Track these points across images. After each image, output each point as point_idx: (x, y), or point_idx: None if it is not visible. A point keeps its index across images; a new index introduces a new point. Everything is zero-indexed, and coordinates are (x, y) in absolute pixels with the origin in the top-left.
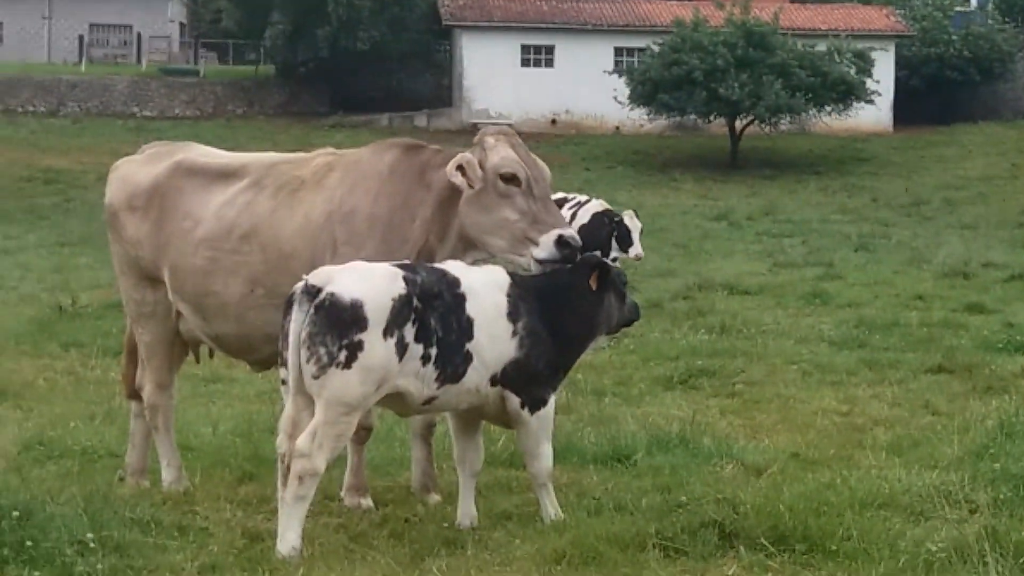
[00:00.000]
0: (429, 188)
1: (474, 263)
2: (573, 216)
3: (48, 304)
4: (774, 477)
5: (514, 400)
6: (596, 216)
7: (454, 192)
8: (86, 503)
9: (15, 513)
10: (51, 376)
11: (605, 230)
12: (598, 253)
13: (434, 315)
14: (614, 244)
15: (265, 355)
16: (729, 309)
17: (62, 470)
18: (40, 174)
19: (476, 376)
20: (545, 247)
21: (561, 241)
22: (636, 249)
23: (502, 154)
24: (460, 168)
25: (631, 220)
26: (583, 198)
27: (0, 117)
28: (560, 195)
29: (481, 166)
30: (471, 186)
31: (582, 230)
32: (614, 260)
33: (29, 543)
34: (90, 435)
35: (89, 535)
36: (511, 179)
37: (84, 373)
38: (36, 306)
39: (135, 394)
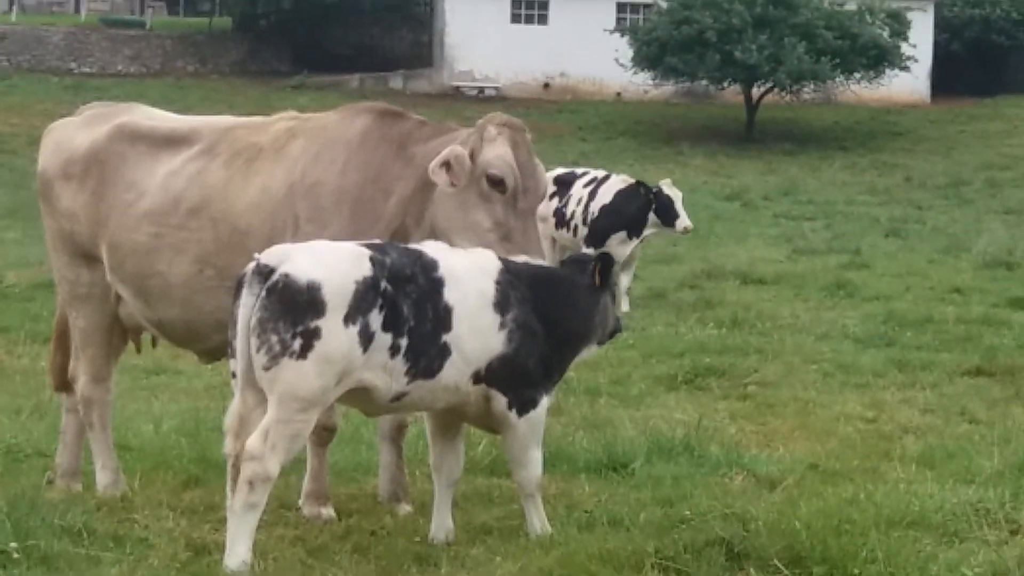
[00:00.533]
0: (410, 163)
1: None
2: (592, 195)
3: None
4: (789, 490)
5: (500, 400)
6: (622, 193)
7: (429, 179)
8: (10, 508)
9: None
10: None
11: (636, 204)
12: (624, 233)
13: (406, 301)
14: (651, 219)
15: (214, 344)
16: (741, 300)
17: None
18: None
19: (454, 372)
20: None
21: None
22: (684, 220)
23: (498, 152)
24: (446, 164)
25: (671, 189)
26: (601, 173)
27: None
28: (580, 170)
29: (472, 157)
30: (453, 185)
31: (605, 210)
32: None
33: None
34: (15, 431)
35: (13, 544)
36: (497, 183)
37: (9, 362)
38: None
39: (66, 386)
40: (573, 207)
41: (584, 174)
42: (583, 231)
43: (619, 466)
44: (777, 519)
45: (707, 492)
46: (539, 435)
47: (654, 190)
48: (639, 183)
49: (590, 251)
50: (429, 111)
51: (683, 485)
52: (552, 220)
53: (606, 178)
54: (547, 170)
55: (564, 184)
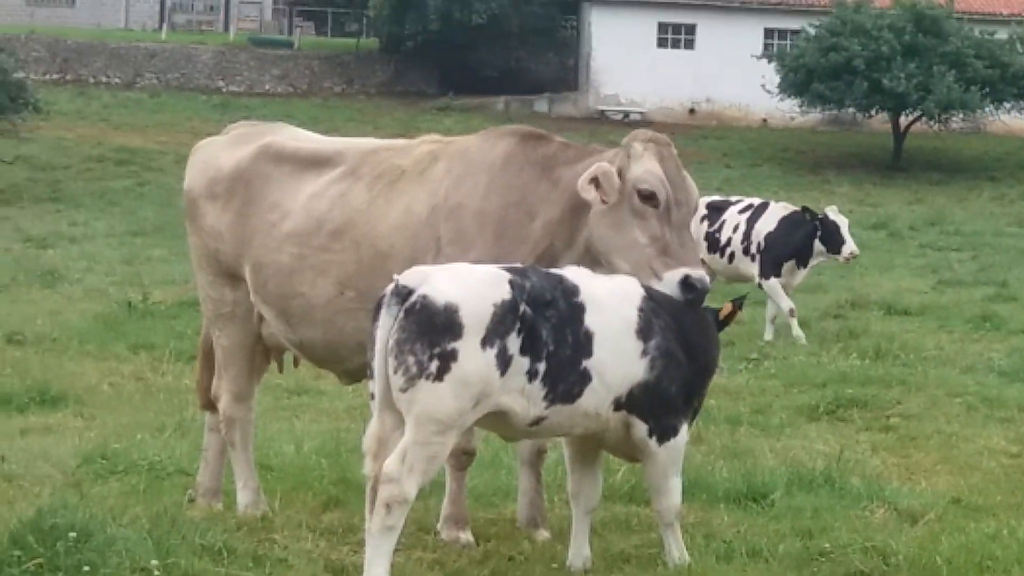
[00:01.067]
0: (556, 185)
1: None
2: (751, 222)
3: (116, 300)
4: (931, 525)
5: (641, 428)
6: (786, 220)
7: (581, 200)
8: (151, 526)
9: (72, 534)
10: (117, 381)
11: (802, 232)
12: (793, 262)
13: (545, 325)
14: (817, 246)
15: (355, 365)
16: (886, 331)
17: (126, 487)
18: (112, 154)
19: (595, 398)
20: (668, 285)
21: (686, 283)
22: (851, 246)
23: (646, 167)
24: (595, 180)
25: (837, 215)
26: (756, 200)
27: (70, 88)
28: (734, 197)
29: (621, 175)
30: (604, 201)
31: (772, 238)
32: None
33: (87, 568)
34: (158, 449)
35: (154, 562)
36: (649, 197)
37: (154, 379)
38: (103, 302)
39: (210, 404)
40: (729, 233)
41: (738, 201)
42: (743, 260)
43: (759, 496)
44: (918, 554)
45: (847, 525)
46: (679, 463)
47: (820, 216)
48: (804, 208)
49: (762, 280)
50: (574, 135)
51: (823, 517)
52: (704, 244)
53: (764, 206)
54: (699, 194)
55: (716, 209)
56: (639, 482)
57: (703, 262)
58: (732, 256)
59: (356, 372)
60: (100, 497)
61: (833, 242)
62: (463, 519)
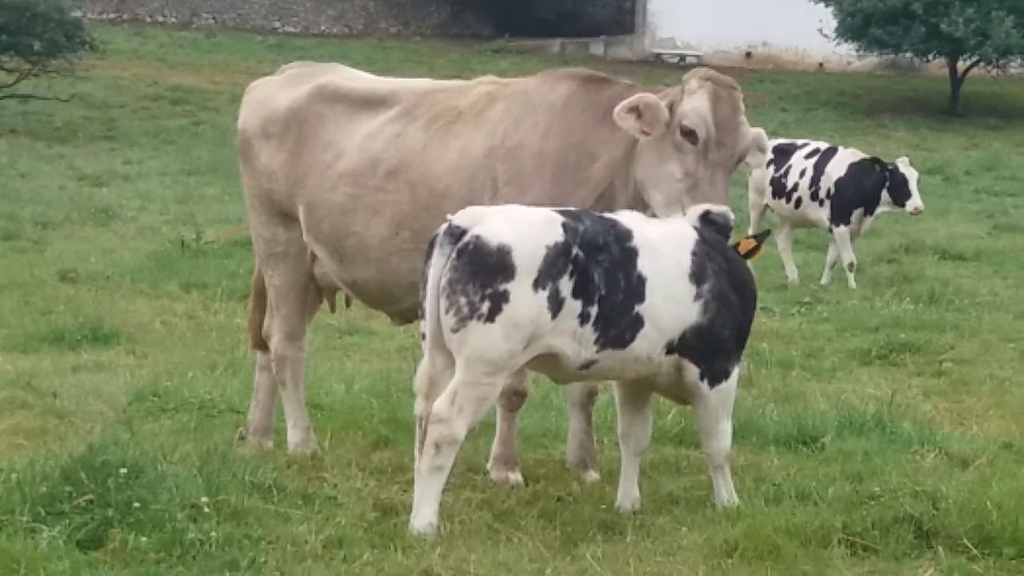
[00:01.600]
0: (618, 127)
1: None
2: (818, 168)
3: (169, 238)
4: (982, 470)
5: (693, 371)
6: (855, 166)
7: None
8: (202, 463)
9: (123, 471)
10: (169, 319)
11: (871, 180)
12: (861, 209)
13: (598, 269)
14: (884, 196)
15: (408, 306)
16: (940, 276)
17: (177, 425)
18: (167, 93)
19: (647, 343)
20: (689, 219)
21: (706, 218)
22: (916, 201)
23: (694, 104)
24: (635, 110)
25: (907, 168)
26: (823, 144)
27: (127, 27)
28: (800, 141)
29: (672, 109)
30: (645, 132)
31: (842, 184)
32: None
33: (137, 504)
34: (210, 387)
35: (204, 499)
36: (689, 134)
37: (206, 318)
38: (156, 240)
39: (263, 344)
40: (795, 178)
41: (804, 145)
42: (811, 205)
43: (809, 440)
44: (968, 498)
45: (898, 469)
46: (730, 406)
47: (890, 167)
48: (875, 159)
49: (833, 227)
50: (630, 78)
51: (873, 461)
52: (769, 189)
53: (832, 151)
54: (766, 141)
55: (783, 153)
56: (689, 424)
57: (765, 207)
58: (799, 201)
59: (408, 313)
60: (151, 434)
61: (900, 194)
62: (513, 460)
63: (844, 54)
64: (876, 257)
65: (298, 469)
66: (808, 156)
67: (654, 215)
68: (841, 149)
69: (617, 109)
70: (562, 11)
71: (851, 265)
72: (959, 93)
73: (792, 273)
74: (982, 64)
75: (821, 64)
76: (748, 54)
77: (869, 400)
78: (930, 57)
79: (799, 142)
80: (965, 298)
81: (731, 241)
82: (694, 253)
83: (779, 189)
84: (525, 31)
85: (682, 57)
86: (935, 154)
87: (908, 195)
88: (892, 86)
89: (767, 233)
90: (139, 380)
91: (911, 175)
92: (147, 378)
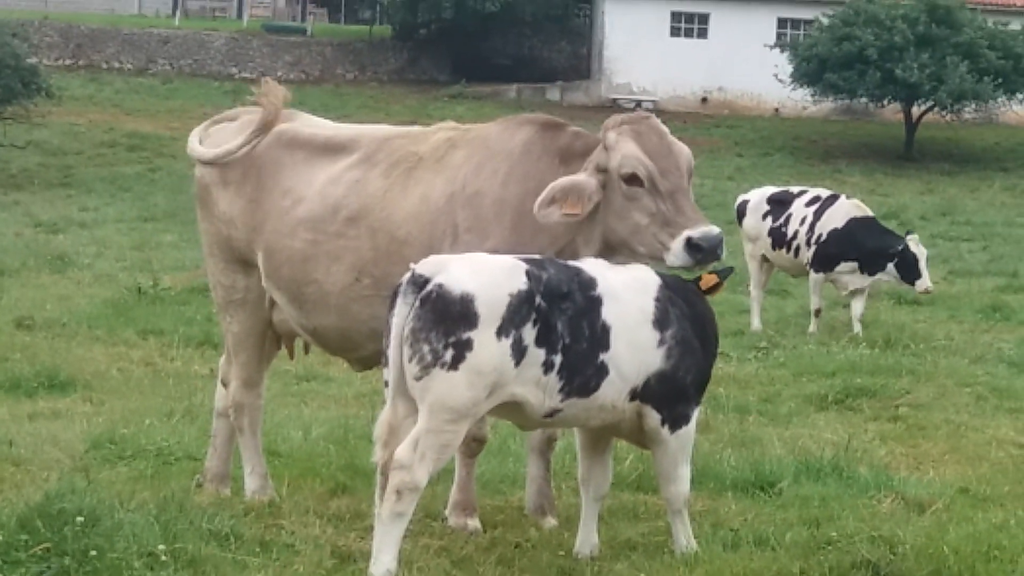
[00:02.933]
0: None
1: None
2: (817, 215)
3: (126, 285)
4: (938, 515)
5: (654, 417)
6: (855, 221)
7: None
8: (159, 511)
9: (79, 519)
10: (126, 366)
11: (873, 242)
12: (855, 264)
13: (561, 318)
14: (891, 269)
15: (368, 353)
16: (895, 321)
17: (134, 472)
18: (124, 139)
19: (612, 391)
20: (676, 253)
21: (690, 244)
22: (925, 282)
23: (622, 152)
24: (551, 200)
25: (918, 247)
26: (824, 192)
27: (83, 74)
28: (795, 189)
29: (603, 170)
30: (573, 215)
31: (836, 236)
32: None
33: (93, 553)
34: (166, 434)
35: (161, 546)
36: (631, 179)
37: (163, 364)
38: (112, 287)
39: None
40: (795, 227)
41: (802, 193)
42: (807, 252)
43: (766, 485)
44: (925, 543)
45: (855, 514)
46: (689, 451)
47: (899, 247)
48: (889, 242)
49: (811, 271)
50: (586, 123)
51: (831, 506)
52: (768, 240)
53: (832, 198)
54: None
55: (779, 203)
56: (647, 470)
57: (765, 258)
58: (798, 250)
59: (369, 359)
60: (108, 482)
61: (909, 273)
62: (471, 506)
63: (799, 99)
64: (832, 302)
65: (255, 516)
66: (808, 204)
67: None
68: (843, 198)
69: (536, 209)
70: (518, 57)
71: (817, 311)
72: (914, 138)
73: (756, 322)
74: (936, 109)
75: (777, 109)
76: (704, 99)
77: (826, 445)
78: (885, 102)
79: (795, 190)
80: (921, 343)
81: (707, 268)
82: (657, 299)
83: (779, 239)
84: (481, 76)
85: (638, 103)
86: (890, 199)
87: (918, 275)
88: (847, 131)
89: (730, 270)
90: (96, 427)
91: (921, 254)
92: (104, 425)
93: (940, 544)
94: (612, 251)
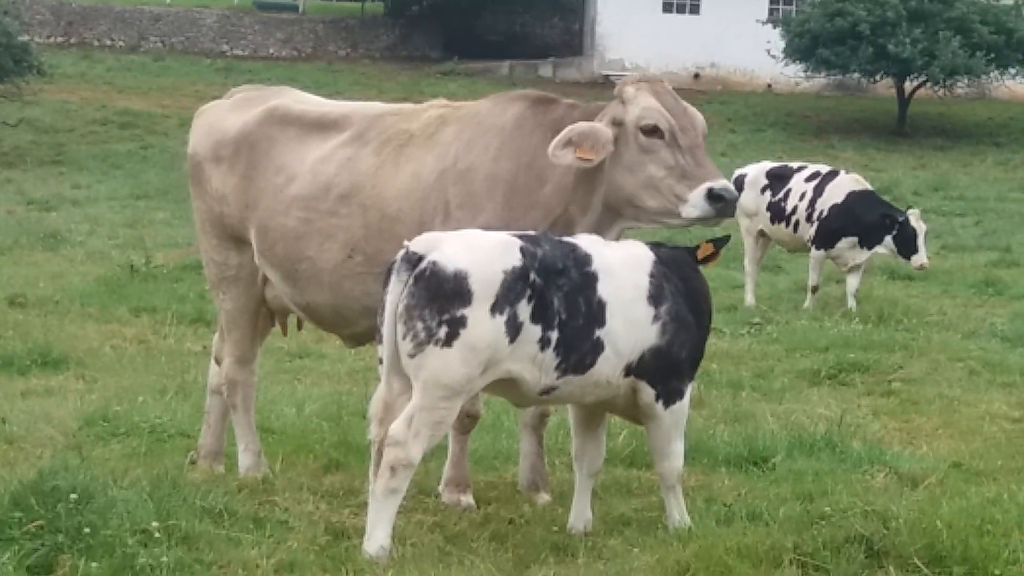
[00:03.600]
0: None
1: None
2: (817, 190)
3: (119, 263)
4: (932, 489)
5: (648, 392)
6: (855, 195)
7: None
8: (152, 488)
9: (73, 496)
10: (119, 344)
11: (869, 214)
12: (856, 239)
13: (557, 294)
14: (888, 242)
15: (361, 329)
16: (888, 296)
17: (127, 450)
18: (116, 117)
19: (607, 367)
20: (695, 204)
21: (712, 195)
22: (921, 257)
23: (642, 104)
24: (568, 142)
25: (917, 222)
26: (824, 168)
27: (74, 51)
28: (795, 164)
29: (619, 123)
30: (587, 160)
31: (837, 210)
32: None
33: (87, 530)
34: (160, 411)
35: (154, 524)
36: (652, 131)
37: (156, 342)
38: (105, 264)
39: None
40: (795, 202)
41: (801, 168)
42: (806, 227)
43: (760, 460)
44: (918, 518)
45: (848, 489)
46: (683, 426)
47: (900, 219)
48: (884, 215)
49: (812, 248)
50: (578, 99)
51: (824, 481)
52: (767, 215)
53: (832, 174)
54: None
55: (778, 178)
56: (640, 446)
57: (760, 233)
58: (797, 225)
59: (362, 336)
60: (101, 459)
61: (907, 247)
62: (464, 482)
63: (792, 75)
64: (825, 277)
65: (249, 493)
66: (808, 179)
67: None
68: (842, 173)
69: (551, 149)
70: (510, 33)
71: (814, 288)
72: (906, 113)
73: (749, 297)
74: (929, 84)
75: (769, 85)
76: (696, 75)
77: (819, 420)
78: (877, 78)
79: (794, 165)
80: (914, 318)
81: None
82: (652, 275)
83: (778, 214)
84: (474, 53)
85: None
86: (883, 174)
87: (915, 250)
88: (840, 107)
89: (727, 239)
90: (89, 405)
91: (920, 229)
92: (97, 403)
93: (933, 518)
94: (613, 212)
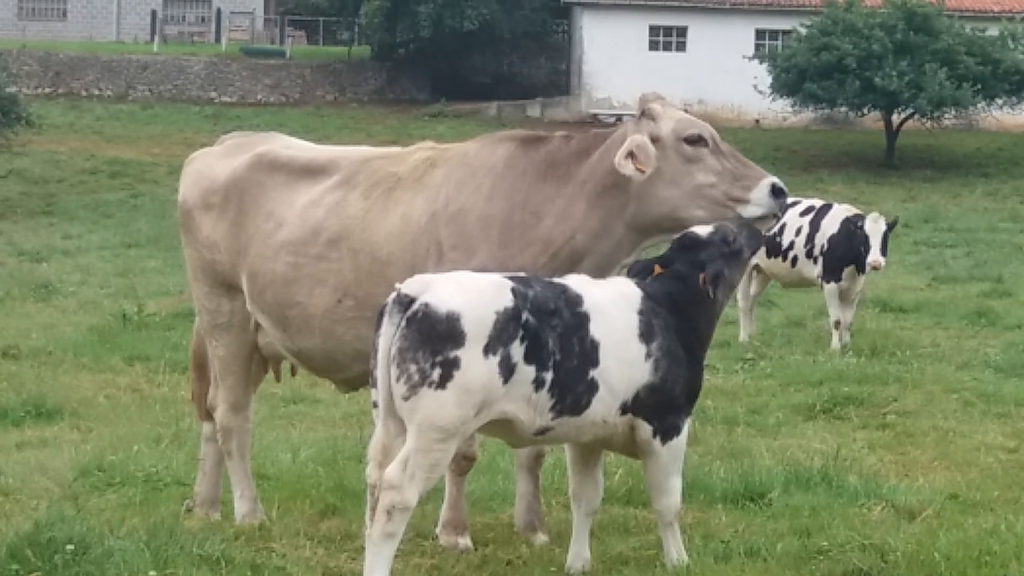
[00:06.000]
0: (567, 181)
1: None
2: (814, 225)
3: (111, 312)
4: (929, 521)
5: (646, 429)
6: (848, 222)
7: (611, 182)
8: (149, 537)
9: (69, 547)
10: (113, 393)
11: (857, 238)
12: (854, 267)
13: (551, 335)
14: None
15: (354, 374)
16: (881, 329)
17: (123, 499)
18: (105, 166)
19: (602, 407)
20: (761, 201)
21: (775, 189)
22: (874, 255)
23: (676, 116)
24: (631, 155)
25: (872, 224)
26: (818, 202)
27: (62, 101)
28: (790, 199)
29: (655, 139)
30: (641, 171)
31: (835, 241)
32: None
33: None
34: (155, 460)
35: (152, 573)
36: (697, 140)
37: (150, 390)
38: (98, 314)
39: (208, 415)
40: (791, 237)
41: (797, 203)
42: (807, 263)
43: (756, 496)
44: (916, 550)
45: (845, 523)
46: (680, 462)
47: (860, 224)
48: (848, 220)
49: (824, 284)
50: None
51: (821, 515)
52: (762, 250)
53: (827, 207)
54: None
55: None
56: (636, 484)
57: (758, 269)
58: (795, 260)
59: (355, 380)
60: (97, 509)
61: (865, 251)
62: (461, 524)
63: (780, 110)
64: (817, 311)
65: (246, 540)
66: (803, 214)
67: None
68: (836, 205)
69: (617, 159)
70: (498, 74)
71: (836, 323)
72: (895, 146)
73: (745, 332)
74: (916, 117)
75: (757, 120)
76: (684, 112)
77: (815, 454)
78: (865, 111)
79: (788, 200)
80: (907, 350)
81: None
82: (640, 312)
83: (773, 248)
84: (461, 95)
85: (619, 117)
86: (872, 207)
87: (868, 250)
88: (828, 140)
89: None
90: (84, 455)
91: (874, 231)
92: (92, 453)
93: (931, 551)
94: (643, 231)
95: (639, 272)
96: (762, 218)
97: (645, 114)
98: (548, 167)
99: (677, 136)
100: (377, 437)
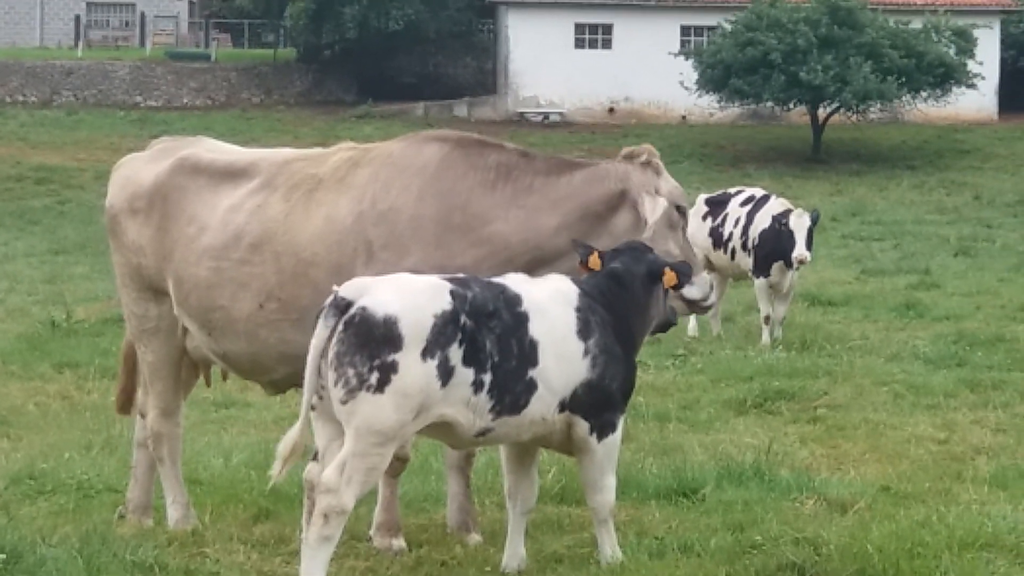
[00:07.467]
0: (528, 194)
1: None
2: (749, 217)
3: (39, 319)
4: (861, 514)
5: (583, 426)
6: (776, 219)
7: (598, 211)
8: (82, 544)
9: (1, 556)
10: (43, 400)
11: (783, 235)
12: (782, 262)
13: (489, 337)
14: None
15: (280, 376)
16: (810, 322)
17: (55, 507)
18: (31, 173)
19: (541, 405)
20: (701, 288)
21: (711, 285)
22: (799, 250)
23: (671, 183)
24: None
25: (796, 219)
26: (759, 192)
27: None
28: (733, 189)
29: (656, 192)
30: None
31: (766, 236)
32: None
33: None
34: (86, 467)
35: None
36: (682, 212)
37: (80, 397)
38: (26, 321)
39: (126, 408)
40: (730, 228)
41: (739, 192)
42: (741, 255)
43: (689, 492)
44: (849, 543)
45: (778, 517)
46: (615, 459)
47: (784, 221)
48: (778, 216)
49: (754, 278)
50: (495, 138)
51: (754, 510)
52: (709, 241)
53: (765, 199)
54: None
55: (717, 204)
56: (570, 482)
57: (708, 260)
58: (733, 252)
59: (281, 383)
60: (29, 518)
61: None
62: (395, 526)
63: (706, 106)
64: (746, 307)
65: (179, 546)
66: (743, 204)
67: None
68: (773, 198)
69: (652, 219)
70: (424, 74)
71: (766, 319)
72: (821, 140)
73: (690, 329)
74: (842, 110)
75: (684, 117)
76: (611, 109)
77: (747, 449)
78: (791, 105)
79: (732, 190)
80: (836, 343)
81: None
82: (578, 309)
83: (717, 240)
84: (388, 96)
85: (546, 115)
86: (800, 201)
87: (793, 246)
88: (755, 135)
89: (686, 265)
90: (14, 463)
91: (798, 226)
92: (22, 461)
93: (864, 543)
94: None
95: (582, 252)
96: (695, 301)
97: (653, 169)
98: (499, 175)
99: (672, 200)
100: (291, 435)
